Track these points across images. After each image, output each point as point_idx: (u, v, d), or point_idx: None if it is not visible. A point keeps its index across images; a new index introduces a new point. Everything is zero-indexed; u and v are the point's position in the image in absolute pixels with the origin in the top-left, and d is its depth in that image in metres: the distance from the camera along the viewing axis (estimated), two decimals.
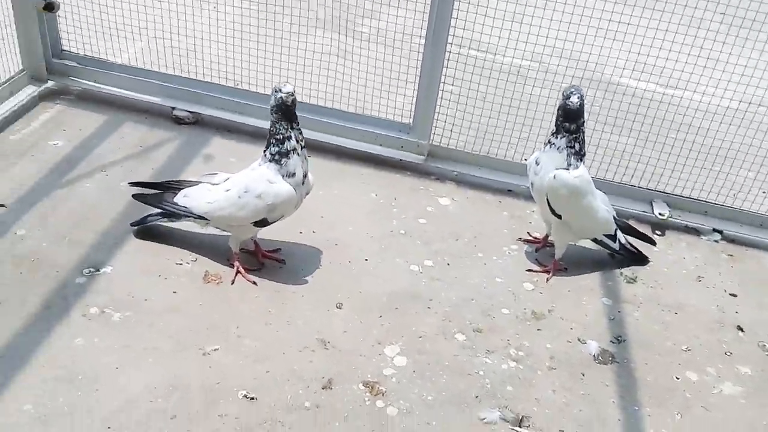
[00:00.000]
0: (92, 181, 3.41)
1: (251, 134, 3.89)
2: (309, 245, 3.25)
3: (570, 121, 3.05)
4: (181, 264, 3.03)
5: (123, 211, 3.22)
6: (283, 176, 2.83)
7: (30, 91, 3.97)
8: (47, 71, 4.06)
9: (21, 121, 3.76)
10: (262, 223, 2.93)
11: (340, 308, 2.97)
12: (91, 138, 3.71)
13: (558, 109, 3.09)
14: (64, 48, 4.10)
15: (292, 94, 2.76)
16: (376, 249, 3.32)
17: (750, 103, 3.78)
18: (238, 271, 2.99)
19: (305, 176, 2.90)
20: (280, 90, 2.75)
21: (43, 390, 2.49)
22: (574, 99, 3.00)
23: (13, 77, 3.91)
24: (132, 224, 3.11)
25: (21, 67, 3.98)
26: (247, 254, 3.13)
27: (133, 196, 3.12)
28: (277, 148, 2.82)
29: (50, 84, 4.06)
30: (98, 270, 2.93)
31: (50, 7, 3.90)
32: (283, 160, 2.82)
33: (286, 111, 2.78)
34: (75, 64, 4.09)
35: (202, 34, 4.07)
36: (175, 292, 2.89)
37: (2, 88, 3.83)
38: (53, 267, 2.91)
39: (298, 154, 2.84)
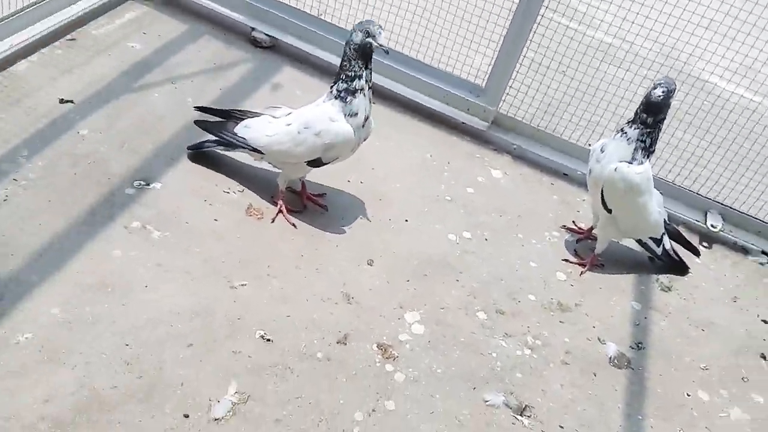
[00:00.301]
0: (161, 91, 3.50)
1: (322, 69, 3.91)
2: (354, 195, 3.30)
3: (650, 113, 2.96)
4: (228, 192, 3.13)
5: (184, 128, 3.31)
6: (345, 115, 2.85)
7: None
8: None
9: (106, 17, 3.84)
10: (316, 162, 2.96)
11: (370, 265, 3.04)
12: (168, 45, 3.79)
13: (643, 98, 2.99)
14: None
15: (384, 45, 2.76)
16: (418, 211, 3.35)
17: None
18: (280, 211, 3.07)
19: (367, 119, 2.91)
20: (373, 35, 2.72)
21: (73, 296, 2.62)
22: (658, 91, 2.90)
23: None
24: (189, 148, 3.19)
25: None
26: (292, 194, 3.20)
27: (196, 122, 3.19)
28: (345, 85, 2.82)
29: None
30: (148, 184, 3.05)
31: None
32: (349, 98, 2.83)
33: (366, 53, 2.78)
34: None
35: None
36: (216, 220, 3.00)
37: None
38: (106, 174, 3.03)
39: (364, 94, 2.85)
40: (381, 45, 2.75)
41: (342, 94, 2.83)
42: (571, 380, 2.86)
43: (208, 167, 3.20)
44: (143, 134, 3.25)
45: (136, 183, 3.04)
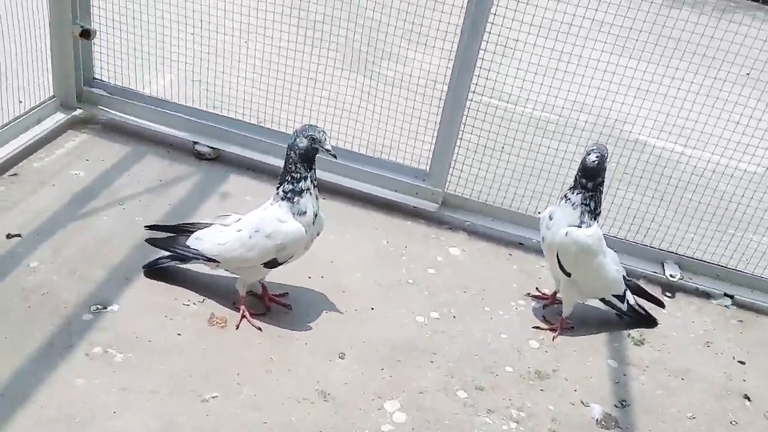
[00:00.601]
0: (109, 214, 3.47)
1: (269, 173, 3.93)
2: (316, 290, 3.27)
3: (588, 178, 3.05)
4: (188, 305, 3.06)
5: (135, 248, 3.27)
6: (294, 215, 2.86)
7: (58, 118, 4.04)
8: (77, 99, 4.13)
9: (46, 148, 3.84)
10: (272, 264, 2.95)
11: (342, 358, 2.98)
12: (113, 169, 3.78)
13: (579, 165, 3.09)
14: (96, 76, 4.18)
15: (332, 150, 2.83)
16: (382, 297, 3.33)
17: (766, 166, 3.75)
18: (243, 316, 3.02)
19: (316, 215, 2.93)
20: (320, 141, 2.79)
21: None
22: (592, 157, 3.00)
23: (43, 102, 3.97)
24: (144, 267, 3.15)
25: (52, 94, 4.06)
26: (254, 297, 3.16)
27: (147, 240, 3.16)
28: (291, 186, 2.85)
29: (78, 112, 4.13)
30: (105, 308, 2.97)
31: (87, 35, 3.97)
32: (296, 198, 2.85)
33: (310, 157, 2.83)
34: (105, 93, 4.15)
35: (230, 70, 4.15)
36: (179, 334, 2.93)
37: (31, 114, 3.89)
38: (61, 302, 2.95)
39: (311, 193, 2.88)
40: (329, 150, 2.82)
41: (289, 195, 2.86)
42: None
43: (165, 282, 3.14)
44: (94, 259, 3.20)
45: (92, 308, 2.96)
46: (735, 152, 3.73)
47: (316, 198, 2.92)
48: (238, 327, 3.00)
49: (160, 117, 4.12)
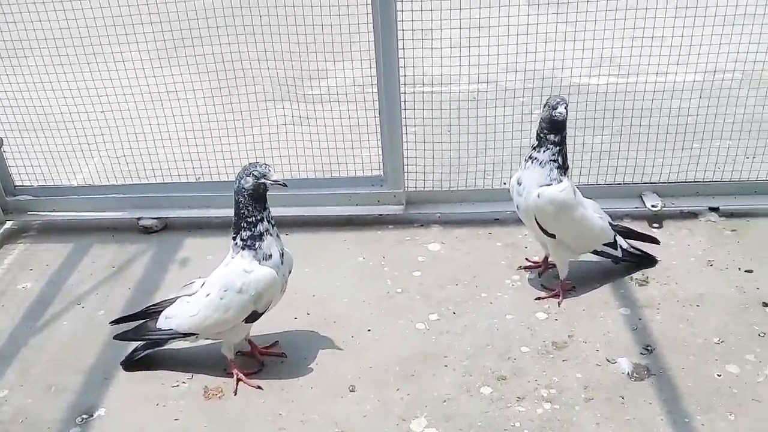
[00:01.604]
0: (69, 318, 3.24)
1: (222, 226, 3.72)
2: (307, 329, 3.09)
3: (556, 132, 2.92)
4: (177, 386, 2.84)
5: (106, 343, 3.05)
6: (260, 261, 2.68)
7: None
8: (3, 212, 3.91)
9: None
10: (252, 317, 2.76)
11: (353, 391, 2.79)
12: (60, 271, 3.55)
13: (541, 121, 2.94)
14: (17, 183, 3.96)
15: (280, 180, 2.62)
16: (376, 316, 3.16)
17: (705, 71, 3.68)
18: (238, 380, 2.81)
19: (282, 255, 2.74)
20: (264, 174, 2.59)
21: None
22: (560, 109, 2.86)
23: None
24: (122, 363, 2.94)
25: None
26: (245, 356, 2.95)
27: (115, 337, 2.95)
28: (249, 233, 2.67)
29: (9, 224, 3.92)
30: (91, 415, 2.73)
31: None
32: (257, 243, 2.67)
33: (261, 195, 2.63)
34: (30, 197, 3.94)
35: (153, 136, 3.97)
36: (176, 419, 2.71)
37: None
38: (44, 424, 2.71)
39: (270, 233, 2.69)
40: (276, 181, 2.61)
41: (249, 243, 2.67)
42: (602, 414, 2.66)
43: (147, 369, 2.92)
44: (66, 367, 2.96)
45: (78, 419, 2.72)
46: (669, 66, 3.67)
47: (278, 236, 2.74)
48: (236, 392, 2.79)
49: (95, 203, 3.91)
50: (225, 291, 2.70)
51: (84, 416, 2.73)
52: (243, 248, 2.68)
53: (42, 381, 2.90)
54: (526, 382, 2.80)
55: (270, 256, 2.69)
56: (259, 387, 2.81)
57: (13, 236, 3.85)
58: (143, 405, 2.77)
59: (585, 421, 2.63)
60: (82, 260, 3.63)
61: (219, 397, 2.79)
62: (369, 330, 3.08)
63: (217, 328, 2.76)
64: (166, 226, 3.83)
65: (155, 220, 3.82)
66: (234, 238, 2.71)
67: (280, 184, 2.64)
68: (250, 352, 2.95)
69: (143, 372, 2.91)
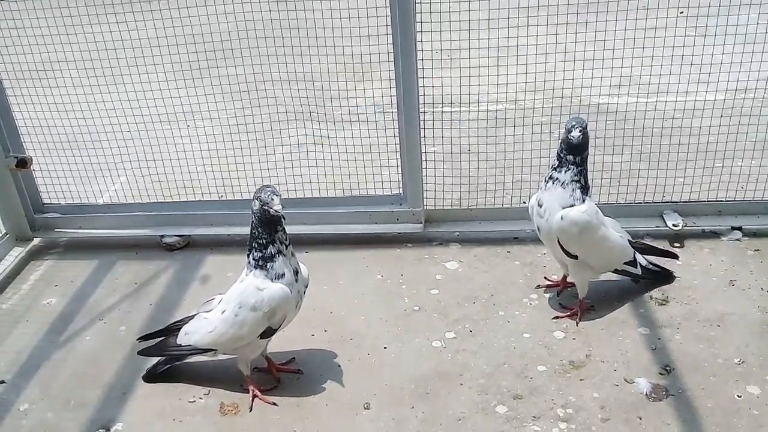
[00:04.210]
0: (91, 333, 3.29)
1: (243, 243, 3.70)
2: (323, 346, 3.10)
3: (575, 154, 2.91)
4: (194, 401, 2.87)
5: (126, 358, 3.09)
6: (272, 279, 2.69)
7: (16, 253, 3.90)
8: (31, 229, 3.98)
9: (11, 286, 3.66)
10: (267, 333, 2.77)
11: (368, 408, 2.79)
12: (84, 287, 3.61)
13: (561, 143, 2.94)
14: (45, 201, 4.04)
15: (279, 211, 2.58)
16: (393, 333, 3.16)
17: (726, 90, 3.66)
18: (254, 396, 2.83)
19: (297, 272, 2.76)
20: (266, 203, 2.57)
21: None
22: (575, 133, 2.86)
23: None
24: (144, 378, 2.98)
25: (4, 231, 3.92)
26: (261, 372, 2.97)
27: (139, 352, 2.98)
28: (259, 254, 2.68)
29: (36, 241, 3.99)
30: (109, 430, 2.76)
31: (23, 164, 3.84)
32: (268, 264, 2.68)
33: (268, 219, 2.64)
34: (58, 215, 4.02)
35: (178, 155, 4.04)
36: None
37: None
38: None
39: (283, 254, 2.70)
40: (277, 211, 2.58)
41: (260, 263, 2.69)
42: None
43: (165, 382, 2.95)
44: (87, 382, 3.00)
45: None
46: (690, 86, 3.65)
47: (292, 254, 2.75)
48: (251, 409, 2.81)
49: (120, 221, 3.98)
50: (239, 308, 2.72)
51: (102, 430, 2.76)
52: (255, 267, 2.70)
53: (62, 395, 2.94)
54: (542, 401, 2.77)
55: (282, 275, 2.70)
56: (274, 404, 2.82)
57: (40, 253, 3.93)
58: (160, 420, 2.79)
59: None
60: (106, 277, 3.69)
61: (235, 413, 2.81)
62: (385, 347, 3.09)
63: (233, 343, 2.79)
64: (189, 244, 3.88)
65: (178, 238, 3.88)
66: (247, 255, 2.74)
67: (278, 216, 2.60)
68: (268, 368, 2.97)
69: (161, 386, 2.94)
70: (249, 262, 2.73)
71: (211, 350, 2.83)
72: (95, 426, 2.78)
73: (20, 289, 3.64)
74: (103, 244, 3.92)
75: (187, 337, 2.84)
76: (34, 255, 3.91)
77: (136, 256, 3.83)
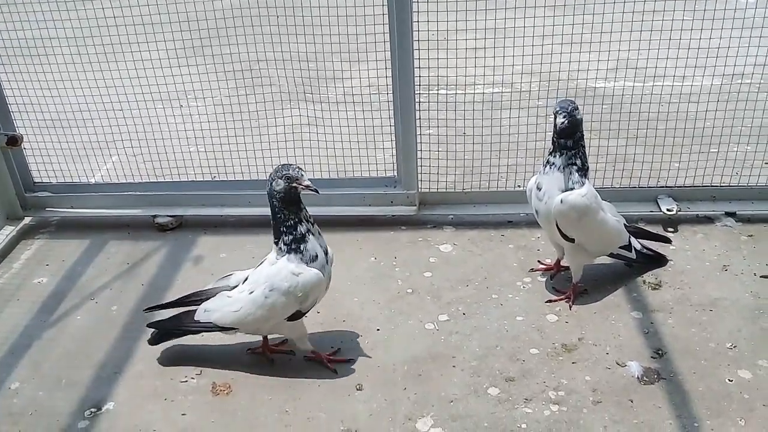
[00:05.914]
0: (83, 312, 3.27)
1: (236, 224, 3.79)
2: (316, 328, 3.08)
3: (566, 137, 2.89)
4: (185, 381, 2.86)
5: (117, 338, 3.08)
6: (306, 263, 2.66)
7: (7, 232, 3.87)
8: (22, 208, 3.96)
9: (2, 265, 3.64)
10: (296, 316, 2.75)
11: (360, 389, 2.79)
12: (76, 266, 3.59)
13: (553, 128, 2.93)
14: (36, 180, 4.01)
15: (311, 185, 2.56)
16: (386, 315, 3.15)
17: (723, 75, 3.64)
18: (328, 360, 2.89)
19: (327, 253, 2.74)
20: (296, 179, 2.53)
21: None
22: (560, 119, 2.83)
23: None
24: (150, 342, 2.94)
25: None
26: (254, 354, 2.96)
27: (148, 325, 2.96)
28: (291, 236, 2.63)
29: (27, 220, 3.97)
30: (100, 409, 2.75)
31: (14, 142, 3.79)
32: (302, 246, 2.64)
33: (294, 198, 2.60)
34: (49, 193, 3.99)
35: (171, 135, 4.01)
36: (184, 414, 2.72)
37: None
38: (53, 416, 2.73)
39: (312, 233, 2.67)
40: (308, 186, 2.56)
41: (293, 246, 2.65)
42: (610, 418, 2.63)
43: (157, 364, 2.94)
44: (78, 361, 2.99)
45: (87, 413, 2.74)
46: (686, 70, 3.63)
47: (319, 233, 2.72)
48: (336, 371, 2.85)
49: (112, 201, 3.96)
50: (271, 291, 2.67)
51: (93, 409, 2.76)
52: (288, 252, 2.66)
53: (53, 374, 2.93)
54: (534, 383, 2.78)
55: (316, 256, 2.67)
56: (350, 359, 2.89)
57: (31, 232, 3.90)
58: (151, 399, 2.78)
59: (592, 424, 2.60)
60: (98, 256, 3.67)
61: (227, 393, 2.80)
62: (378, 329, 3.08)
63: (258, 324, 2.77)
64: (181, 224, 3.86)
65: (170, 218, 3.85)
66: (276, 242, 2.68)
67: (312, 190, 2.58)
68: (261, 349, 2.96)
69: (153, 366, 2.93)
70: (280, 248, 2.67)
71: (232, 329, 2.80)
72: (86, 405, 2.77)
73: (11, 268, 3.62)
74: (95, 223, 3.90)
75: (206, 314, 2.79)
76: (25, 234, 3.88)
77: (128, 236, 3.81)
